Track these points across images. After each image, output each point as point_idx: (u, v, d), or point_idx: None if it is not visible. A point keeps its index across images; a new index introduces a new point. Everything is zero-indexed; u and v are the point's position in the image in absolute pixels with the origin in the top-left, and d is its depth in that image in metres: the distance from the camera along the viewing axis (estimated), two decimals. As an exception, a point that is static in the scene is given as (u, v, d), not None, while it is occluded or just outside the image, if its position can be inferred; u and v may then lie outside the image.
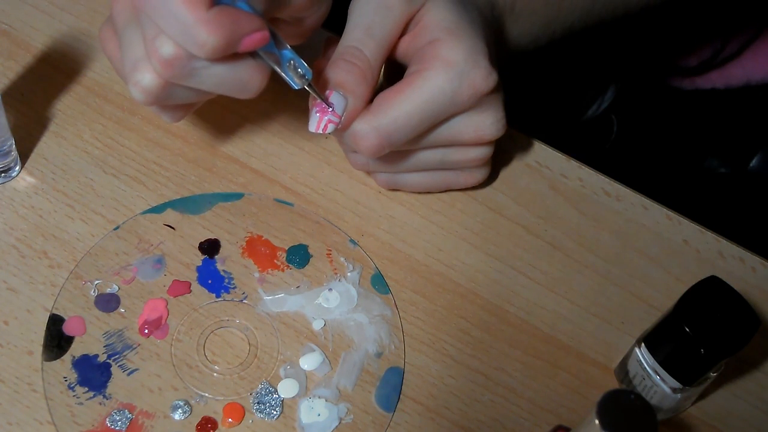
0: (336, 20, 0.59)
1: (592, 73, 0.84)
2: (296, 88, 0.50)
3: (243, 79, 0.48)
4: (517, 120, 0.60)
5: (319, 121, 0.52)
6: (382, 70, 0.55)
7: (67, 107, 0.60)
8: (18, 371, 0.51)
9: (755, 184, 0.80)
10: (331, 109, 0.52)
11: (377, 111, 0.52)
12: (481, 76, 0.52)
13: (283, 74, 0.50)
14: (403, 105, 0.51)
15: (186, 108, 0.52)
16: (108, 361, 0.52)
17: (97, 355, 0.52)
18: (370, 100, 0.53)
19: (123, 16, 0.48)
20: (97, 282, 0.54)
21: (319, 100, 0.52)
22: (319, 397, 0.52)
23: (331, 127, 0.52)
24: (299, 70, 0.50)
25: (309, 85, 0.50)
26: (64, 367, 0.52)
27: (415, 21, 0.54)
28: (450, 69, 0.51)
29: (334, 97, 0.52)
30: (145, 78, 0.47)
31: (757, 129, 0.81)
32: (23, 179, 0.57)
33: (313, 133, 0.53)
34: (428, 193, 0.60)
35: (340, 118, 0.52)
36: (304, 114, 0.61)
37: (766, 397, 0.56)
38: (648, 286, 0.59)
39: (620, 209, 0.62)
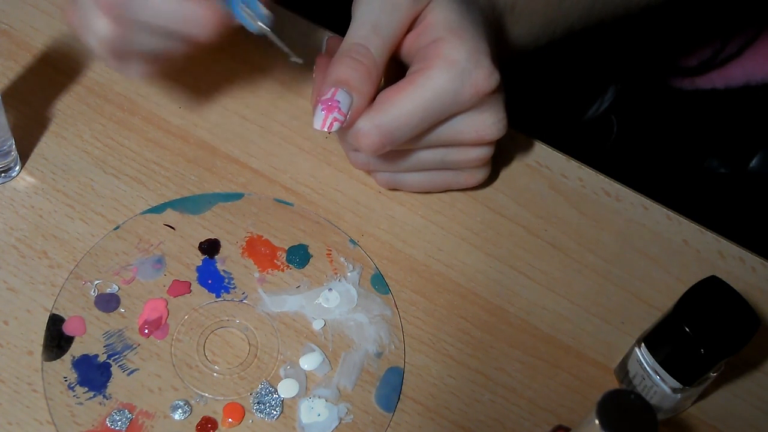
0: (336, 20, 0.59)
1: (592, 73, 0.83)
2: (253, 30, 0.49)
3: (189, 14, 0.48)
4: (517, 120, 0.60)
5: (324, 118, 0.52)
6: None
7: (67, 107, 0.60)
8: (18, 371, 0.51)
9: (755, 184, 0.80)
10: (334, 105, 0.51)
11: (379, 109, 0.52)
12: (483, 75, 0.52)
13: (234, 13, 0.49)
14: (405, 103, 0.51)
15: (150, 62, 0.52)
16: (108, 361, 0.52)
17: (97, 355, 0.52)
18: (373, 99, 0.53)
19: None
20: (97, 282, 0.54)
21: (324, 98, 0.51)
22: (319, 397, 0.52)
23: (336, 126, 0.52)
24: (254, 11, 0.49)
25: (270, 32, 0.49)
26: (64, 367, 0.52)
27: (418, 20, 0.54)
28: (452, 68, 0.51)
29: (339, 94, 0.51)
30: (97, 25, 0.48)
31: (757, 129, 0.81)
32: (23, 179, 0.57)
33: (317, 130, 0.52)
34: (428, 193, 0.60)
35: (346, 116, 0.52)
36: (304, 114, 0.61)
37: (766, 397, 0.56)
38: (648, 286, 0.59)
39: (620, 209, 0.62)
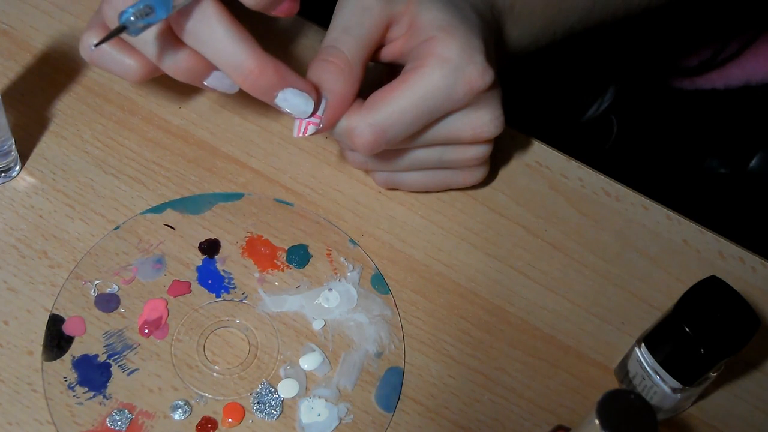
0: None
1: (592, 73, 0.84)
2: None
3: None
4: (517, 120, 0.60)
5: (299, 125, 0.52)
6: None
7: (67, 107, 0.60)
8: (18, 371, 0.51)
9: (755, 184, 0.80)
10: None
11: (372, 107, 0.52)
12: (476, 72, 0.52)
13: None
14: (398, 101, 0.51)
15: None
16: (108, 361, 0.52)
17: (97, 355, 0.52)
18: (364, 98, 0.53)
19: None
20: (97, 282, 0.54)
21: None
22: (319, 397, 0.52)
23: (311, 129, 0.52)
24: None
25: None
26: (64, 367, 0.52)
27: (406, 24, 0.54)
28: (445, 65, 0.51)
29: None
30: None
31: (757, 129, 0.81)
32: (23, 179, 0.57)
33: (300, 137, 0.52)
34: (428, 192, 0.60)
35: (320, 119, 0.52)
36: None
37: (766, 397, 0.56)
38: (648, 286, 0.59)
39: (620, 209, 0.62)
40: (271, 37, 0.65)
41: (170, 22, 0.49)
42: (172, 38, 0.50)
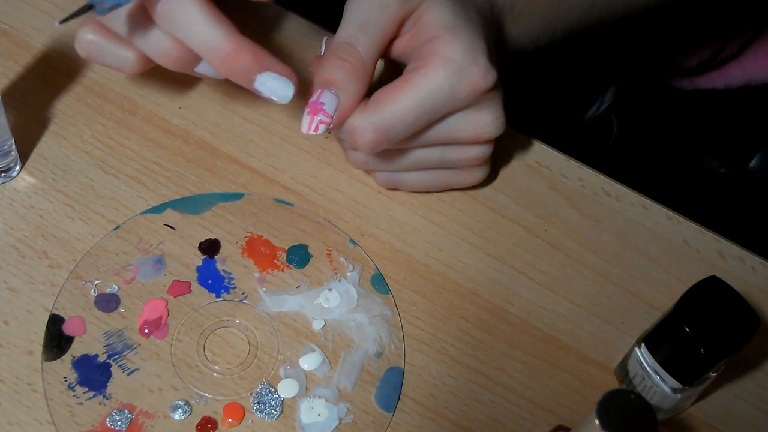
0: (336, 20, 0.59)
1: (592, 73, 0.84)
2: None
3: None
4: (517, 120, 0.60)
5: (309, 122, 0.52)
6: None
7: (67, 107, 0.60)
8: (18, 371, 0.51)
9: (755, 184, 0.80)
10: (319, 107, 0.51)
11: (374, 106, 0.52)
12: (479, 73, 0.52)
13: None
14: (401, 101, 0.51)
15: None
16: (108, 361, 0.52)
17: (97, 355, 0.52)
18: (368, 96, 0.53)
19: None
20: (97, 282, 0.54)
21: (310, 100, 0.51)
22: (319, 397, 0.52)
23: (322, 128, 0.52)
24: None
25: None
26: (64, 367, 0.52)
27: (413, 20, 0.54)
28: (448, 66, 0.51)
29: (324, 96, 0.51)
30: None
31: (757, 129, 0.81)
32: (23, 179, 0.57)
33: (307, 134, 0.52)
34: (428, 192, 0.60)
35: (332, 118, 0.51)
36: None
37: (766, 397, 0.56)
38: (648, 286, 0.59)
39: (620, 209, 0.62)
40: (262, 33, 0.65)
41: (147, 7, 0.49)
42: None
